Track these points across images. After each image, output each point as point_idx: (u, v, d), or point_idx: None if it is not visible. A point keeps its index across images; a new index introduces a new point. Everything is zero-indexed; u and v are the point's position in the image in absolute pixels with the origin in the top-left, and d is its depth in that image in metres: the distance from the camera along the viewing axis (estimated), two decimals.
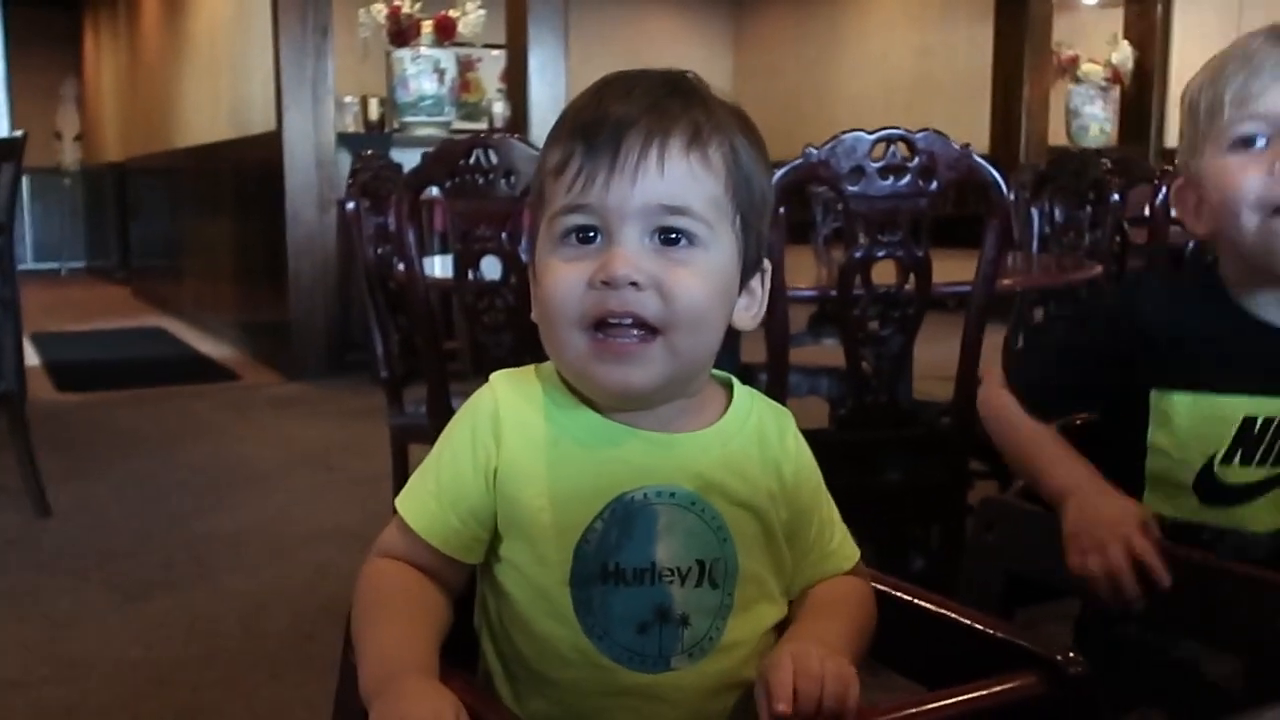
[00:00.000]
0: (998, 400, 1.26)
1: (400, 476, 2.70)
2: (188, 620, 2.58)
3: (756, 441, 0.90)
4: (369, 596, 0.87)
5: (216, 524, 3.31)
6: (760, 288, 0.91)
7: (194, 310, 7.69)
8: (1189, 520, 1.17)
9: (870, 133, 1.89)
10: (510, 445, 0.86)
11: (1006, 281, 2.23)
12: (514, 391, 0.89)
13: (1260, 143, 1.12)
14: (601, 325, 0.83)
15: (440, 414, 2.34)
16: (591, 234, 0.84)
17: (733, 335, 0.96)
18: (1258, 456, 1.15)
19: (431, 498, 0.88)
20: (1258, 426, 1.14)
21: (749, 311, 0.91)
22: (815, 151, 1.89)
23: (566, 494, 0.85)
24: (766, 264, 0.91)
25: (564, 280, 0.84)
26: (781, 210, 1.91)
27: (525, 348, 2.18)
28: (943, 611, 0.90)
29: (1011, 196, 2.73)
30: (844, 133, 1.89)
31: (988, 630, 0.87)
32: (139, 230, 9.60)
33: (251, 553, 3.04)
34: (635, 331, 0.82)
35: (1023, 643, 0.84)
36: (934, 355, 2.77)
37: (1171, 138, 7.98)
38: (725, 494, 0.87)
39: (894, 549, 2.36)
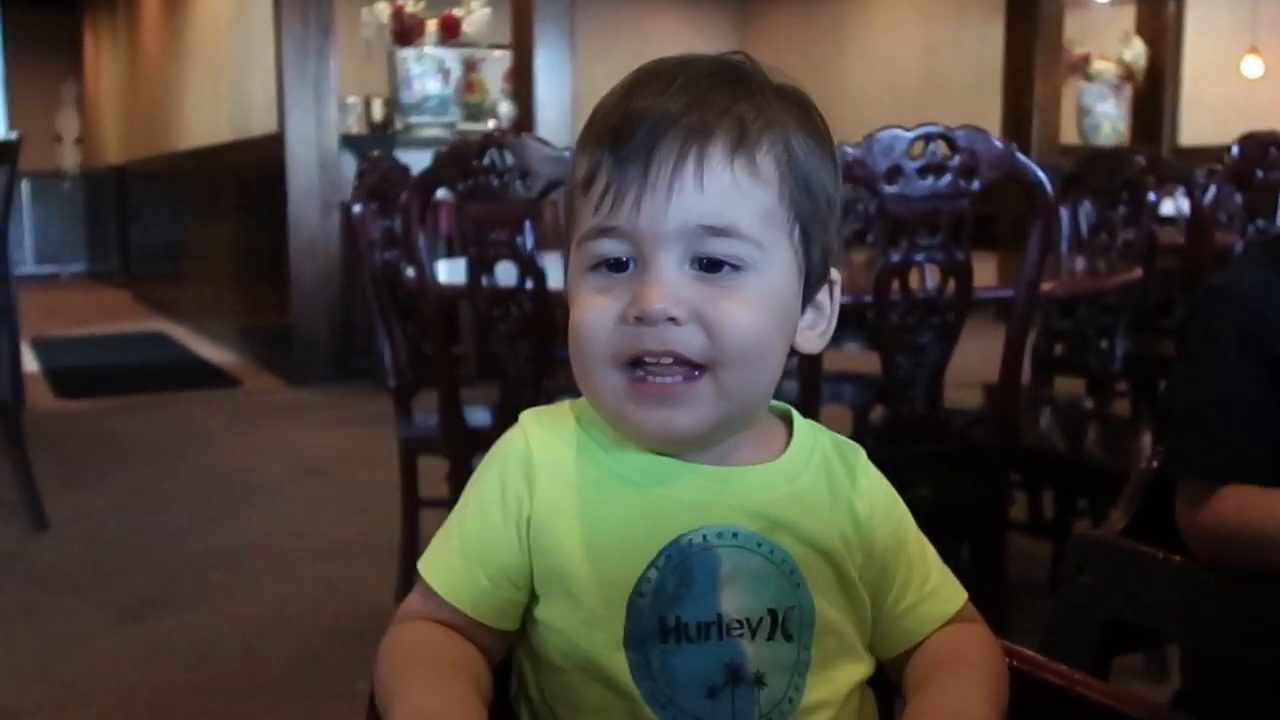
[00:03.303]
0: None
1: (410, 492, 2.60)
2: (187, 642, 2.48)
3: (825, 479, 0.79)
4: (396, 656, 0.74)
5: (217, 538, 3.21)
6: (829, 302, 0.80)
7: (195, 315, 7.59)
8: None
9: (908, 129, 1.78)
10: (545, 491, 0.75)
11: (1047, 286, 2.12)
12: (547, 431, 0.78)
13: None
14: (639, 363, 0.73)
15: (453, 427, 2.23)
16: (624, 261, 0.73)
17: None
18: None
19: (457, 555, 0.76)
20: None
21: (815, 330, 0.80)
22: (850, 150, 1.78)
23: (613, 541, 0.74)
24: (835, 275, 0.80)
25: (593, 315, 0.73)
26: None
27: (541, 358, 2.08)
28: (1073, 687, 0.77)
29: None
30: (881, 129, 1.78)
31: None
32: (139, 234, 9.50)
33: (253, 569, 2.93)
34: (678, 370, 0.72)
35: None
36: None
37: (1185, 136, 7.87)
38: (795, 533, 0.76)
39: None
